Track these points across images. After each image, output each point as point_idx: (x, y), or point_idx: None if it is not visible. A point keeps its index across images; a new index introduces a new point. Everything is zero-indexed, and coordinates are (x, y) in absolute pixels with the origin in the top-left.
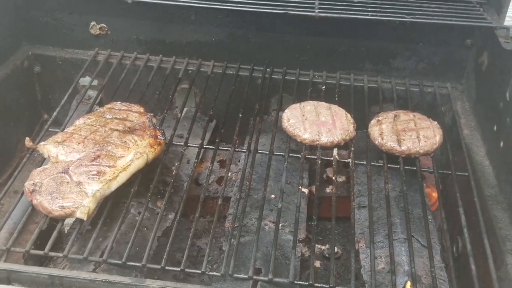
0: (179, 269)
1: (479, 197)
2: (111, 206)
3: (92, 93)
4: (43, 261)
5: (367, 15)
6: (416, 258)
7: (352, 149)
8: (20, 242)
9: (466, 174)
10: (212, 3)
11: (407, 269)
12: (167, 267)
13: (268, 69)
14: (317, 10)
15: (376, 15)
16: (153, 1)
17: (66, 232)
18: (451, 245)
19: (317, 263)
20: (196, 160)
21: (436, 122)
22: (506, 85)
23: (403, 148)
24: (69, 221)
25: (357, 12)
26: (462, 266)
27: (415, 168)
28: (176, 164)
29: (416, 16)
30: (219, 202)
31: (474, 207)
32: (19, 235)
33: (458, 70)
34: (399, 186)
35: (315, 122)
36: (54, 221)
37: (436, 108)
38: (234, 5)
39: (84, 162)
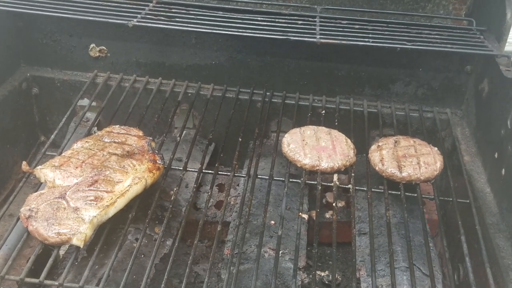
0: None
1: (480, 225)
2: (108, 232)
3: (90, 115)
4: (38, 287)
5: (369, 41)
6: None
7: (353, 174)
8: (14, 267)
9: (467, 201)
10: (213, 28)
11: None
12: None
13: (268, 93)
14: (318, 36)
15: (377, 42)
16: (153, 25)
17: (61, 257)
18: (452, 273)
19: None
20: (195, 185)
21: (436, 148)
22: (507, 113)
23: (404, 174)
24: (65, 246)
25: (358, 39)
26: None
27: (415, 194)
28: (175, 189)
29: (417, 43)
30: (218, 229)
31: (476, 235)
32: (14, 260)
33: (457, 96)
34: (400, 213)
35: (315, 147)
36: (49, 246)
37: (436, 133)
38: (235, 30)
39: (82, 187)
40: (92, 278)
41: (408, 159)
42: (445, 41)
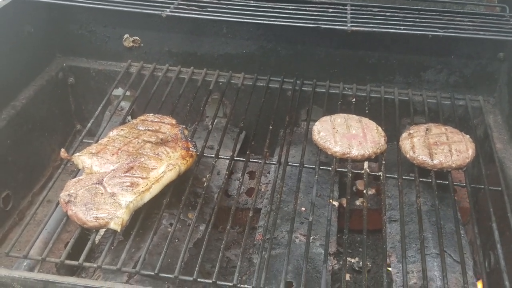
0: (210, 281)
1: None
2: (143, 217)
3: (124, 104)
4: (75, 270)
5: (400, 29)
6: (448, 274)
7: (383, 162)
8: (53, 251)
9: (499, 188)
10: (244, 17)
11: (440, 285)
12: (199, 279)
13: (298, 81)
14: (349, 24)
15: (409, 29)
16: (186, 15)
17: (97, 242)
18: (483, 260)
19: (347, 276)
20: (227, 172)
21: (468, 136)
22: None
23: (435, 162)
24: (100, 231)
25: (389, 26)
26: (495, 282)
27: (447, 182)
28: (207, 176)
29: (449, 30)
30: (250, 214)
31: (507, 222)
32: (53, 243)
33: (490, 83)
34: (431, 200)
35: (346, 135)
36: (86, 230)
37: (468, 121)
38: (266, 19)
39: (118, 174)
40: (129, 261)
41: (439, 146)
42: (477, 27)
